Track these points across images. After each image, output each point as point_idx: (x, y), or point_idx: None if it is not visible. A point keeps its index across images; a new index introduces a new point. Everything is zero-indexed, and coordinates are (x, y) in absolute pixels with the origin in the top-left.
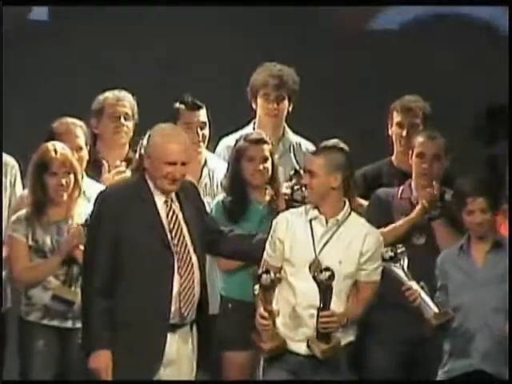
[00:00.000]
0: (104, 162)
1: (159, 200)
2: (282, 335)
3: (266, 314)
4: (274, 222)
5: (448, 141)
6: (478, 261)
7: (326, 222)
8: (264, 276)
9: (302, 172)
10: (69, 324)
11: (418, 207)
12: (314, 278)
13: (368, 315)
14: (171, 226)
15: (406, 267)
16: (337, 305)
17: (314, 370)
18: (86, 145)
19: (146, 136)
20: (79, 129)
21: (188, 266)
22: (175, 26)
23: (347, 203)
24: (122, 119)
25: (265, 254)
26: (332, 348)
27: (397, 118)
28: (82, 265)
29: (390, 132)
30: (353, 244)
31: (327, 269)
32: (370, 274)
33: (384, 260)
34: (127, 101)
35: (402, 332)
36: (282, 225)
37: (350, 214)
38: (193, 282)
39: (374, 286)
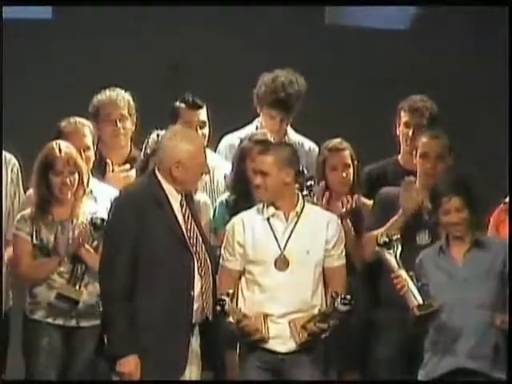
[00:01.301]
0: (108, 160)
1: (175, 201)
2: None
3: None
4: (228, 227)
5: (452, 141)
6: (457, 260)
7: (286, 217)
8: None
9: (305, 171)
10: (73, 323)
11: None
12: (333, 303)
13: (372, 313)
14: (188, 226)
15: (398, 255)
16: (315, 295)
17: (294, 366)
18: (94, 144)
19: (155, 138)
20: (87, 128)
21: (206, 265)
22: (176, 25)
23: (300, 195)
24: (118, 122)
25: (221, 260)
26: (327, 329)
27: (404, 117)
28: (101, 270)
29: (397, 131)
30: (317, 232)
31: (349, 302)
32: (339, 258)
33: (378, 245)
34: (121, 100)
35: (405, 330)
36: (238, 228)
37: (304, 204)
38: (211, 281)
39: (342, 270)
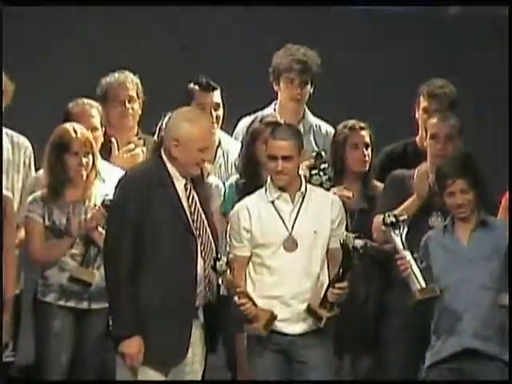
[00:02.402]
0: (113, 140)
1: (180, 184)
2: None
3: (242, 300)
4: (232, 214)
5: (463, 123)
6: (462, 240)
7: (292, 199)
8: (218, 264)
9: (323, 154)
10: (85, 305)
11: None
12: (345, 245)
13: (385, 296)
14: (192, 209)
15: (404, 236)
16: (322, 274)
17: (304, 347)
18: (101, 125)
19: (167, 119)
20: (95, 109)
21: (209, 248)
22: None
23: (302, 176)
24: (127, 103)
25: (228, 248)
26: (333, 316)
27: (423, 103)
28: (104, 250)
29: (416, 115)
30: (322, 213)
31: (360, 237)
32: (336, 241)
33: (385, 224)
34: (130, 82)
35: (418, 314)
36: (243, 214)
37: (306, 186)
38: (213, 265)
39: (339, 250)
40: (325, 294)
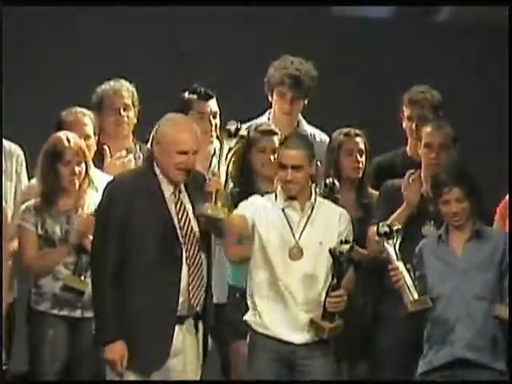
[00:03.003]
0: (106, 148)
1: (167, 191)
2: (268, 325)
3: (217, 175)
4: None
5: (457, 130)
6: (457, 250)
7: (301, 208)
8: (231, 124)
9: (318, 164)
10: (78, 314)
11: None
12: (333, 251)
13: (379, 306)
14: (179, 216)
15: (397, 246)
16: (325, 286)
17: (306, 357)
18: (94, 134)
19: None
20: (87, 118)
21: (196, 257)
22: (184, 14)
23: (313, 187)
24: (122, 111)
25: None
26: (335, 328)
27: (406, 111)
28: (91, 255)
29: (403, 125)
30: (329, 225)
31: (346, 241)
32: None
33: (378, 234)
34: (125, 91)
35: (412, 323)
36: (250, 207)
37: (316, 197)
38: (201, 272)
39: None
40: (324, 307)
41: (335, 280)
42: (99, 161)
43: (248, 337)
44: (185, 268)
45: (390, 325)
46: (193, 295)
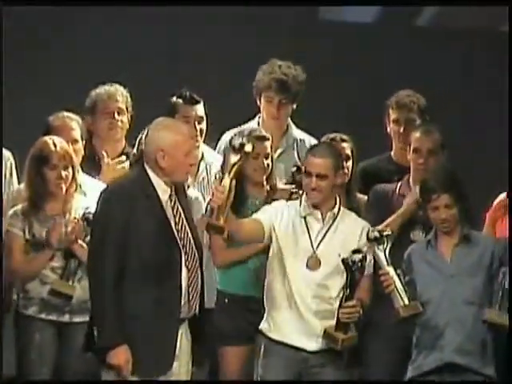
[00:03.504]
0: (103, 152)
1: (164, 195)
2: (281, 331)
3: (221, 188)
4: (271, 207)
5: (444, 135)
6: (445, 255)
7: (323, 218)
8: (236, 138)
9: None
10: (66, 318)
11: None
12: (345, 261)
13: (368, 311)
14: (176, 220)
15: (387, 252)
16: (341, 296)
17: (320, 366)
18: (82, 139)
19: (146, 132)
20: (75, 122)
21: (194, 259)
22: (175, 19)
23: (337, 197)
24: (116, 115)
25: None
26: (349, 339)
27: (393, 114)
28: (89, 261)
29: (388, 129)
30: (350, 238)
31: (358, 251)
32: (368, 267)
33: (368, 239)
34: (120, 95)
35: (402, 327)
36: (275, 210)
37: (340, 208)
38: (199, 275)
39: (371, 278)
40: (338, 318)
41: (348, 291)
42: (91, 165)
43: (262, 345)
44: (184, 271)
45: (379, 330)
46: (192, 298)
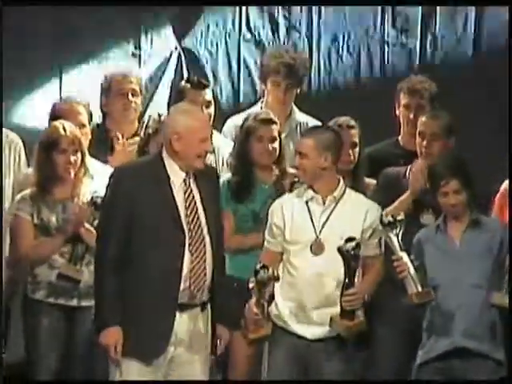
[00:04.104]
0: (118, 134)
1: (178, 178)
2: (284, 318)
3: (256, 310)
4: (270, 210)
5: (453, 121)
6: (455, 239)
7: (323, 201)
8: (261, 272)
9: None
10: (74, 302)
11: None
12: (340, 250)
13: (377, 296)
14: (187, 204)
15: (400, 236)
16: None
17: (322, 354)
18: (89, 123)
19: (155, 118)
20: (82, 107)
21: (200, 245)
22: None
23: (341, 180)
24: (130, 96)
25: (265, 243)
26: (356, 325)
27: (404, 99)
28: (96, 241)
29: (397, 112)
30: (354, 220)
31: (351, 239)
32: (376, 247)
33: (382, 224)
34: (134, 76)
35: (408, 311)
36: (277, 212)
37: (345, 190)
38: (204, 261)
39: (380, 258)
40: (341, 304)
41: (346, 279)
42: (102, 148)
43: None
44: (187, 255)
45: (386, 314)
46: (193, 283)
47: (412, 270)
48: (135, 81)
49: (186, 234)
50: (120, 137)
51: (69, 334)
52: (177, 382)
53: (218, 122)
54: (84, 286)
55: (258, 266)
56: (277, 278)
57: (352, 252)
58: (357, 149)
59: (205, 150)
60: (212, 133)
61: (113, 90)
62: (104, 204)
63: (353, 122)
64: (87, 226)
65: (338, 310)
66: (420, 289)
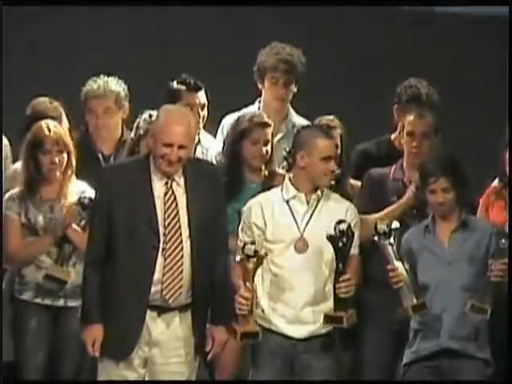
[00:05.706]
0: (99, 155)
1: (159, 180)
2: (269, 318)
3: (247, 294)
4: (245, 208)
5: (443, 120)
6: (443, 240)
7: (307, 200)
8: (248, 246)
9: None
10: (61, 303)
11: (409, 192)
12: (331, 237)
13: (360, 295)
14: (166, 207)
15: (395, 246)
16: (330, 280)
17: (309, 352)
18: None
19: (146, 118)
20: (56, 106)
21: (176, 249)
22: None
23: None
24: (103, 114)
25: (238, 242)
26: (352, 315)
27: (403, 103)
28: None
29: (395, 115)
30: (336, 218)
31: (341, 221)
32: (354, 247)
33: (377, 233)
34: (107, 93)
35: (394, 311)
36: (256, 210)
37: (324, 189)
38: (180, 265)
39: (358, 257)
40: (336, 296)
41: (340, 265)
42: (88, 155)
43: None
44: (160, 260)
45: (373, 313)
46: (166, 287)
47: (408, 281)
48: (109, 97)
49: (161, 238)
50: (101, 158)
51: (56, 334)
52: (169, 382)
53: (210, 123)
54: (70, 286)
55: (243, 242)
56: (263, 256)
57: (346, 232)
58: (337, 150)
59: (165, 155)
60: (187, 143)
61: (87, 107)
62: (93, 203)
63: (335, 122)
64: (74, 226)
65: (327, 306)
66: (415, 301)
